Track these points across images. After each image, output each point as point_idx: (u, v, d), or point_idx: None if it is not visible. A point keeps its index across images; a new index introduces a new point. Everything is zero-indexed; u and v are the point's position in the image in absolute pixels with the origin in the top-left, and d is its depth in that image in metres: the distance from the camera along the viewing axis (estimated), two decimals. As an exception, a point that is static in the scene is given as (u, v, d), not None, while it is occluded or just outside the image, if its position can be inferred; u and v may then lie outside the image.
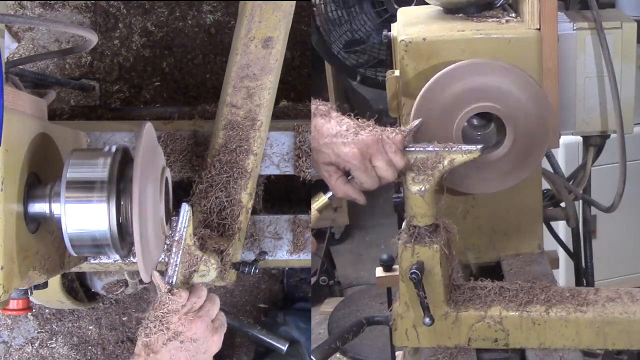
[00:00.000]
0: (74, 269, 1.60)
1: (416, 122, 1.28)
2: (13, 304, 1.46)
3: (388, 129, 1.23)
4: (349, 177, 1.25)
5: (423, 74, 1.36)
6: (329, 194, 1.30)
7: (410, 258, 1.26)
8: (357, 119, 1.26)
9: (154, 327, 1.22)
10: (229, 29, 2.44)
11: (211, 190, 1.51)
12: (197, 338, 1.22)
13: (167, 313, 1.22)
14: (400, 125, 1.50)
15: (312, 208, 1.31)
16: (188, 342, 1.21)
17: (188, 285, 1.31)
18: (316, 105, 1.26)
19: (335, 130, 1.21)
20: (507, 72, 1.31)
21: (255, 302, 2.50)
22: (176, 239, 1.29)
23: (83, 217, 1.21)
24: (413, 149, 1.25)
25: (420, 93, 1.33)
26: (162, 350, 1.20)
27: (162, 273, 1.27)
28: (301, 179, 1.67)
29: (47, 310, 2.47)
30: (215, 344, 1.25)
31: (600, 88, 1.51)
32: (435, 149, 1.25)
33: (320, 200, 1.31)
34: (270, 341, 1.84)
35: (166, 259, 1.30)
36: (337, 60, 2.67)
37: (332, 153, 1.21)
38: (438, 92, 1.32)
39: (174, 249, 1.28)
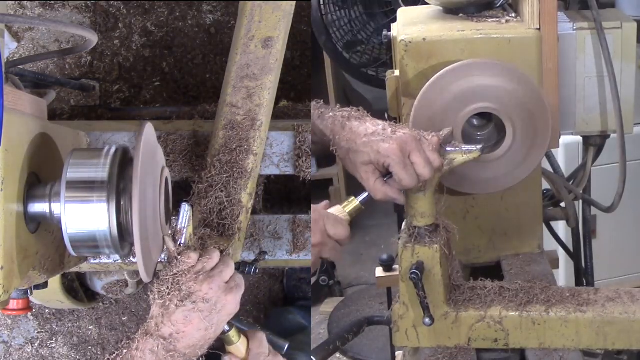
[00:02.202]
0: (74, 269, 1.60)
1: (446, 130, 1.27)
2: (13, 304, 1.46)
3: (424, 132, 1.24)
4: (385, 179, 1.25)
5: (423, 74, 1.36)
6: (362, 197, 1.28)
7: (410, 258, 1.26)
8: (392, 121, 1.27)
9: (166, 288, 1.22)
10: (229, 29, 2.44)
11: (211, 190, 1.51)
12: (209, 298, 1.22)
13: (177, 274, 1.23)
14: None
15: (343, 210, 1.29)
16: (201, 303, 1.21)
17: (199, 248, 1.32)
18: (349, 111, 1.27)
19: (372, 130, 1.22)
20: (504, 71, 1.31)
21: (255, 302, 2.50)
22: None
23: (83, 217, 1.21)
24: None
25: (420, 94, 1.33)
26: (176, 311, 1.20)
27: (173, 237, 1.28)
28: (301, 179, 1.67)
29: (47, 310, 2.47)
30: (230, 304, 1.25)
31: (600, 88, 1.51)
32: (435, 149, 1.25)
33: (351, 204, 1.29)
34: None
35: (173, 225, 1.31)
36: (343, 60, 2.66)
37: (371, 151, 1.21)
38: (437, 94, 1.32)
39: (179, 217, 1.28)
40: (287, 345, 1.72)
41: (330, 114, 1.28)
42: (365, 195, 1.28)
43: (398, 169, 1.20)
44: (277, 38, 1.51)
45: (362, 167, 1.23)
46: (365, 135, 1.22)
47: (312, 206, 1.28)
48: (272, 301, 2.51)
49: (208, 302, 1.22)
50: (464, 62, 1.32)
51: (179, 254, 1.25)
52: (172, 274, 1.23)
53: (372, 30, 2.50)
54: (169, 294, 1.21)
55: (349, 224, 1.28)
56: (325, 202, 1.31)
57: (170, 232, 1.30)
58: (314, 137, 1.34)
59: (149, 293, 1.25)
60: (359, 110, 1.28)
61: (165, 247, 1.30)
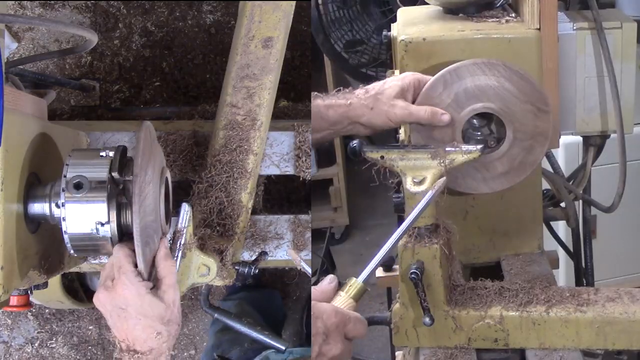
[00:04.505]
0: (74, 269, 1.60)
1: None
2: (13, 300, 1.46)
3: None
4: None
5: (423, 73, 1.36)
6: (362, 276, 1.12)
7: (410, 258, 1.26)
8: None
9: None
10: (229, 29, 2.44)
11: (211, 190, 1.51)
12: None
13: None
14: (400, 127, 1.50)
15: (347, 297, 1.11)
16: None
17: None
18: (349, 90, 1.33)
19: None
20: (504, 70, 1.30)
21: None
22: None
23: (83, 217, 1.21)
24: (413, 149, 1.25)
25: (420, 95, 1.32)
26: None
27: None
28: (301, 179, 1.67)
29: (47, 310, 2.47)
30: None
31: (600, 88, 1.51)
32: (435, 149, 1.25)
33: (353, 287, 1.12)
34: (270, 341, 1.84)
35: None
36: (341, 60, 2.66)
37: (396, 80, 1.30)
38: (437, 94, 1.32)
39: (179, 217, 1.30)
40: (287, 346, 1.72)
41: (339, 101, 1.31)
42: (366, 272, 1.14)
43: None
44: (277, 38, 1.51)
45: (395, 100, 1.28)
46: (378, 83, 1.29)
47: (323, 306, 1.09)
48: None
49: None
50: (463, 62, 1.31)
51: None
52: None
53: (372, 30, 2.50)
54: None
55: (355, 308, 1.12)
56: (328, 285, 1.14)
57: (168, 241, 1.30)
58: (322, 126, 1.32)
59: None
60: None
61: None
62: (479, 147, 1.25)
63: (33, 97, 1.33)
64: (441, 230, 1.28)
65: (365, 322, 1.11)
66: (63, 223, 1.21)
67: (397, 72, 1.42)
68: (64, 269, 1.44)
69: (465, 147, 1.25)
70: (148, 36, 2.42)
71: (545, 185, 1.67)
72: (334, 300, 1.10)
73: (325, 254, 3.08)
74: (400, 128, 1.51)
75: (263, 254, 1.63)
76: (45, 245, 1.32)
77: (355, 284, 1.12)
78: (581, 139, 1.64)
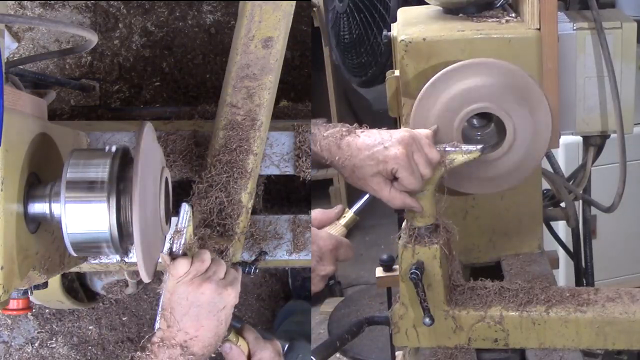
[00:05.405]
0: (74, 269, 1.60)
1: (433, 127, 1.29)
2: (13, 304, 1.46)
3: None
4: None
5: (423, 74, 1.36)
6: (355, 208, 1.32)
7: (410, 258, 1.26)
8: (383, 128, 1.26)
9: (167, 300, 1.24)
10: (229, 29, 2.44)
11: (211, 190, 1.51)
12: (211, 298, 1.24)
13: (175, 285, 1.24)
14: (400, 126, 1.51)
15: (339, 224, 1.33)
16: (205, 305, 1.23)
17: (199, 248, 1.33)
18: (339, 129, 1.24)
19: (370, 141, 1.21)
20: (494, 69, 1.30)
21: (259, 299, 2.50)
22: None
23: (83, 217, 1.21)
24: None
25: (418, 97, 1.32)
26: (184, 319, 1.22)
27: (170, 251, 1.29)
28: (301, 179, 1.67)
29: (47, 310, 2.47)
30: (231, 296, 1.27)
31: (600, 88, 1.51)
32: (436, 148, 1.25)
33: (347, 216, 1.34)
34: None
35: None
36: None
37: (377, 162, 1.19)
38: (435, 96, 1.32)
39: (179, 217, 1.29)
40: (287, 346, 1.72)
41: (325, 133, 1.25)
42: (359, 205, 1.33)
43: (406, 174, 1.19)
44: (277, 38, 1.51)
45: (372, 180, 1.21)
46: (365, 148, 1.20)
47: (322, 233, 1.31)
48: (275, 299, 2.51)
49: (211, 302, 1.23)
50: (458, 64, 1.31)
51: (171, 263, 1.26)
52: (170, 285, 1.25)
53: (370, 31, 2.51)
54: (171, 305, 1.23)
55: (344, 234, 1.34)
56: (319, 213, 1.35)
57: (168, 241, 1.30)
58: (313, 157, 1.35)
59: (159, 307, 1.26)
60: (345, 125, 1.26)
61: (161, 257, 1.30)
62: (479, 147, 1.25)
63: (33, 97, 1.33)
64: (441, 230, 1.28)
65: (353, 248, 1.31)
66: (63, 223, 1.22)
67: (397, 72, 1.42)
68: (64, 269, 1.44)
69: (465, 147, 1.25)
70: (148, 36, 2.42)
71: (545, 185, 1.67)
72: (329, 228, 1.32)
73: (325, 254, 3.08)
74: (400, 127, 1.51)
75: (263, 253, 1.63)
76: (45, 245, 1.32)
77: (349, 214, 1.34)
78: (581, 139, 1.64)
